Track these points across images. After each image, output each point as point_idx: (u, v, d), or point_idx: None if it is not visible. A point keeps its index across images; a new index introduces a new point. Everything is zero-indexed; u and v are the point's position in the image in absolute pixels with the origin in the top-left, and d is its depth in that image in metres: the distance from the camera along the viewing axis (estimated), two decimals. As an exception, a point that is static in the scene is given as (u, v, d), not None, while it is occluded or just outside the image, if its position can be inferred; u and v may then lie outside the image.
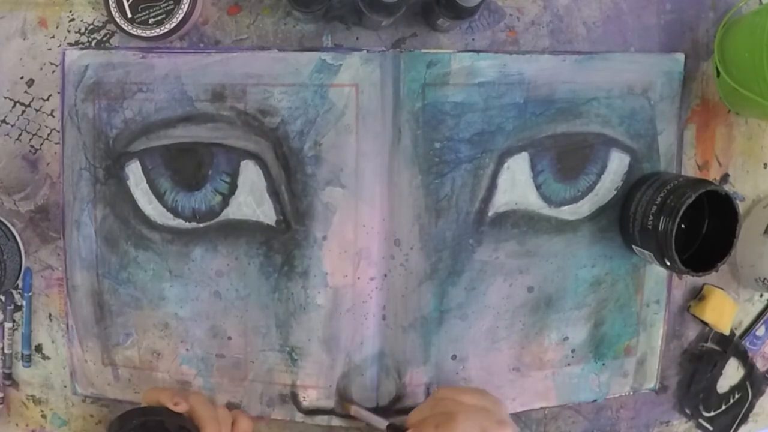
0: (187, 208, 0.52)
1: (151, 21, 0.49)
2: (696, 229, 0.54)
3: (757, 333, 0.61)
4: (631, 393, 0.59)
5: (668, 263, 0.49)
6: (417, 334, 0.54)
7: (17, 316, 0.56)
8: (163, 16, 0.49)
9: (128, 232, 0.53)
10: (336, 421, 0.55)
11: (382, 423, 0.51)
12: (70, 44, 0.52)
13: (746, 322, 0.61)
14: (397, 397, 0.54)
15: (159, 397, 0.47)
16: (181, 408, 0.47)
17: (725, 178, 0.58)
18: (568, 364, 0.57)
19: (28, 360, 0.56)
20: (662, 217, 0.49)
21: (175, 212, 0.52)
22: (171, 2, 0.49)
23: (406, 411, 0.54)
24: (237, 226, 0.52)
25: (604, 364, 0.58)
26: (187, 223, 0.52)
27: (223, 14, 0.52)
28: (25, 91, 0.53)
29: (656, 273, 0.57)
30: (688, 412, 0.61)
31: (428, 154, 0.51)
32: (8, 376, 0.57)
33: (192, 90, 0.51)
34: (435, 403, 0.47)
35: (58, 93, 0.52)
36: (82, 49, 0.52)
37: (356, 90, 0.50)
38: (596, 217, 0.55)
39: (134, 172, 0.52)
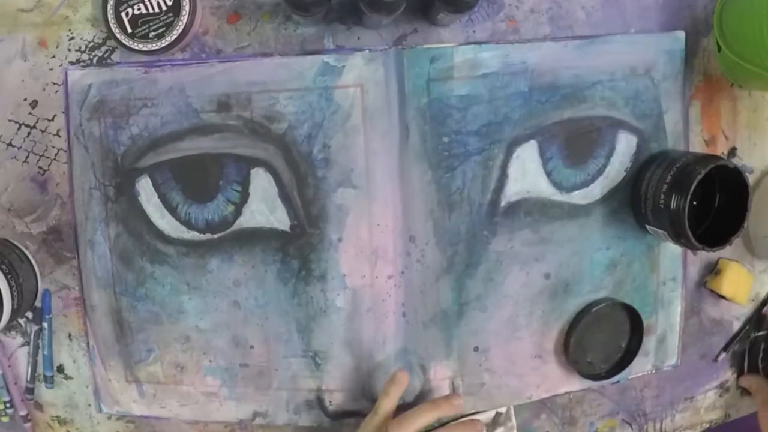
0: (200, 220, 0.52)
1: (151, 35, 0.49)
2: (707, 204, 0.54)
3: (774, 303, 0.61)
4: (653, 371, 0.59)
5: (682, 240, 0.50)
6: (438, 329, 0.54)
7: (37, 337, 0.55)
8: (164, 29, 0.49)
9: (143, 248, 0.53)
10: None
11: None
12: (71, 63, 0.52)
13: (763, 293, 0.61)
14: (422, 392, 0.54)
15: None
16: None
17: (733, 151, 0.58)
18: (590, 348, 0.57)
19: (51, 381, 0.56)
20: (674, 195, 0.49)
21: (189, 225, 0.52)
22: (170, 14, 0.49)
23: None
24: (251, 234, 0.52)
25: (624, 345, 0.58)
26: (202, 235, 0.52)
27: (223, 23, 0.52)
28: (30, 113, 0.53)
29: (671, 251, 0.57)
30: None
31: (437, 149, 0.51)
32: (31, 398, 0.56)
33: (197, 102, 0.51)
34: None
35: (63, 113, 0.52)
36: (83, 67, 0.51)
37: (361, 90, 0.50)
38: (608, 200, 0.55)
39: (145, 188, 0.52)
